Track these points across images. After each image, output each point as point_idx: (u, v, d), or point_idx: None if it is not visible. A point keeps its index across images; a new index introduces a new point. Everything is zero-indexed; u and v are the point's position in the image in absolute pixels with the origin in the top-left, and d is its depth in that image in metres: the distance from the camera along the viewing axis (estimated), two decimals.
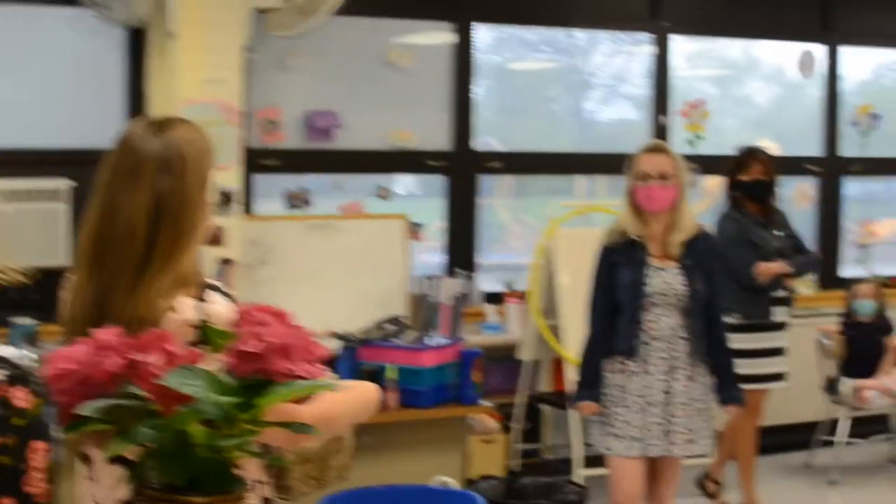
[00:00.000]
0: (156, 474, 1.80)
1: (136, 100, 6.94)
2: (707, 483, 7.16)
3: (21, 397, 1.51)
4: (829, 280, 9.09)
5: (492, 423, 7.25)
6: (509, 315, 7.74)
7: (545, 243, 7.43)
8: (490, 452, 7.21)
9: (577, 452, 7.09)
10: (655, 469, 5.31)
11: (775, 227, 6.95)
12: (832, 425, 7.98)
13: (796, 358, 8.14)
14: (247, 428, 1.83)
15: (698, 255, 5.26)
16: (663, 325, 5.19)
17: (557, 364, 7.70)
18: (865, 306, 7.84)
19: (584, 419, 5.69)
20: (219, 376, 1.84)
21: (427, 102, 7.90)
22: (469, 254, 8.04)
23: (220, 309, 2.52)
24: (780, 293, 6.89)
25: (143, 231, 2.51)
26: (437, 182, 8.03)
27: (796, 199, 9.09)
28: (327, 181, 7.76)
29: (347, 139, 7.65)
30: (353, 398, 2.51)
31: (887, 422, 8.25)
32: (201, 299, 2.54)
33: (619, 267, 5.26)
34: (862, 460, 8.21)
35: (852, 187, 9.39)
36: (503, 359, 7.52)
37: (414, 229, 7.73)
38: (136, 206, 2.51)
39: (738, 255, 6.66)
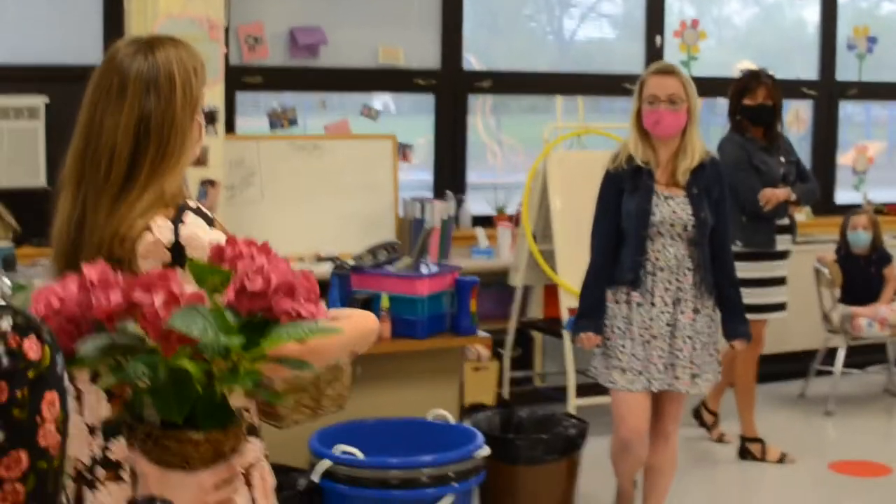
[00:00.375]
0: (152, 412, 1.74)
1: (113, 14, 6.64)
2: (704, 413, 7.01)
3: (33, 347, 1.44)
4: (825, 207, 8.90)
5: (483, 350, 7.08)
6: (500, 239, 7.52)
7: (538, 165, 7.19)
8: (481, 380, 7.04)
9: (571, 382, 6.91)
10: (658, 403, 5.11)
11: (779, 153, 6.73)
12: (828, 355, 7.85)
13: (792, 286, 8.00)
14: (249, 367, 1.76)
15: (706, 182, 5.02)
16: (669, 255, 4.97)
17: (549, 290, 7.51)
18: (861, 238, 7.66)
19: (584, 350, 5.45)
20: (222, 316, 1.74)
21: (415, 19, 7.63)
22: (458, 175, 7.81)
23: (197, 231, 2.48)
24: (784, 221, 6.69)
25: (127, 151, 2.48)
26: (421, 100, 7.79)
27: (791, 122, 8.88)
28: (312, 99, 7.51)
29: (333, 56, 7.38)
30: (351, 328, 2.45)
31: (885, 352, 8.09)
32: (179, 220, 2.48)
33: (625, 194, 5.02)
34: (857, 391, 8.11)
35: (846, 111, 9.20)
36: (493, 284, 7.31)
37: (402, 150, 7.50)
38: (121, 126, 2.48)
39: (742, 181, 6.43)
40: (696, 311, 5.00)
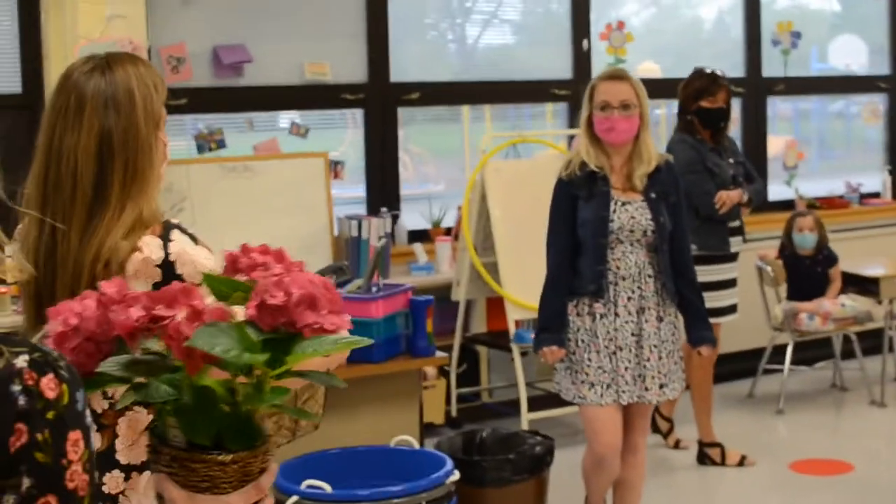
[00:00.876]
0: (177, 433, 1.69)
1: (30, 40, 6.39)
2: (658, 420, 6.89)
3: (51, 386, 1.38)
4: (760, 203, 8.84)
5: (430, 369, 6.91)
6: (439, 254, 7.36)
7: (475, 176, 7.04)
8: (429, 399, 6.88)
9: (523, 396, 6.77)
10: (627, 416, 4.98)
11: (727, 155, 6.64)
12: (773, 353, 7.80)
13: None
14: (275, 385, 1.71)
15: (662, 186, 4.90)
16: (630, 262, 4.85)
17: (492, 303, 7.37)
18: (807, 240, 7.61)
19: (546, 365, 5.26)
20: (246, 333, 1.67)
21: (340, 32, 7.44)
22: (391, 190, 7.63)
23: (185, 248, 2.44)
24: (735, 223, 6.61)
25: (91, 171, 2.42)
26: (345, 114, 7.61)
27: None
28: (239, 120, 7.29)
29: (259, 74, 7.17)
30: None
31: (831, 347, 8.05)
32: (168, 238, 2.44)
33: (580, 201, 4.88)
34: (804, 387, 8.07)
35: (774, 107, 9.17)
36: (435, 300, 7.13)
37: (333, 167, 7.31)
38: (81, 145, 2.42)
39: (696, 183, 6.33)
40: (659, 318, 4.89)
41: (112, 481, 2.42)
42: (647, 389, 4.86)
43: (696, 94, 6.57)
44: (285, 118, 7.40)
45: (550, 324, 4.93)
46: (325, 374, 1.81)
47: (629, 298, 4.84)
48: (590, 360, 4.85)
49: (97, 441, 2.43)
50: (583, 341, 4.88)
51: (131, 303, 1.69)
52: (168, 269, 2.39)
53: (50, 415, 1.37)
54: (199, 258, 2.44)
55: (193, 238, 2.49)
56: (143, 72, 2.49)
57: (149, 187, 2.47)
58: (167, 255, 2.41)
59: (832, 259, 7.62)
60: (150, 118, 2.47)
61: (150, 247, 2.40)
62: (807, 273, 7.62)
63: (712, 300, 6.29)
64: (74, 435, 1.40)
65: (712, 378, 6.64)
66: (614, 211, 4.82)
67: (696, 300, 4.99)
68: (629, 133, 4.86)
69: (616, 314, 4.84)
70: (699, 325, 5.01)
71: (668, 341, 4.92)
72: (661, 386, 4.89)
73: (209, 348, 1.60)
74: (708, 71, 6.75)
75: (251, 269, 1.79)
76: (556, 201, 4.97)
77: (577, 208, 4.88)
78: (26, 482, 1.35)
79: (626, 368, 4.84)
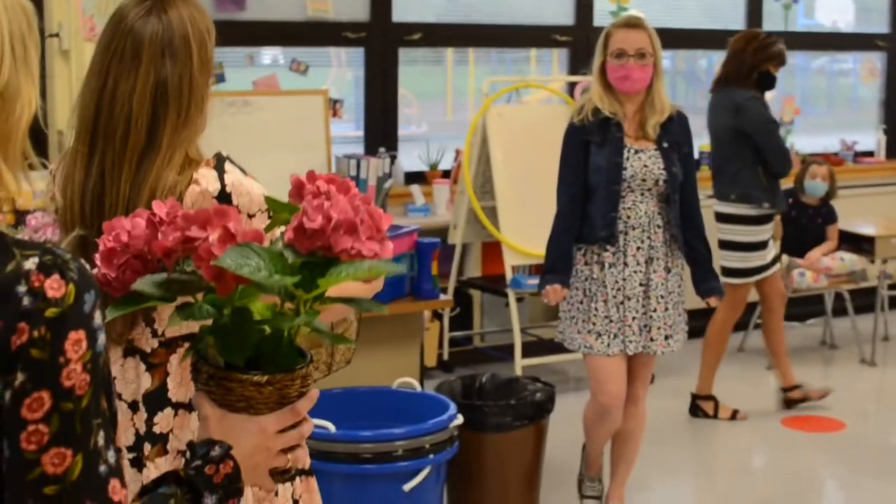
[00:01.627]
0: (215, 352, 1.69)
1: None
2: (701, 405, 6.77)
3: (54, 286, 1.40)
4: None
5: (425, 311, 6.87)
6: (437, 196, 7.32)
7: (477, 120, 6.99)
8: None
9: (517, 341, 6.75)
10: (631, 367, 4.97)
11: None
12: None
13: None
14: (310, 307, 1.70)
15: (674, 136, 4.87)
16: (640, 212, 4.81)
17: (487, 247, 7.35)
18: (818, 188, 7.57)
19: (547, 306, 5.20)
20: (279, 254, 1.67)
21: None
22: (389, 130, 7.57)
23: (240, 177, 2.45)
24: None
25: (145, 119, 2.40)
26: (345, 52, 7.54)
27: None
28: (239, 54, 7.21)
29: (260, 9, 7.09)
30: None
31: (823, 304, 8.06)
32: (222, 169, 2.44)
33: (593, 147, 4.83)
34: (794, 343, 8.05)
35: None
36: None
37: (332, 105, 7.24)
38: (137, 92, 2.40)
39: (774, 141, 6.37)
40: (667, 269, 4.88)
41: (164, 420, 2.42)
42: (652, 340, 4.86)
43: (769, 58, 6.53)
44: (285, 55, 7.33)
45: (556, 265, 4.90)
46: (368, 301, 1.80)
47: (638, 248, 4.82)
48: (597, 309, 4.83)
49: (148, 381, 2.43)
50: (590, 290, 4.85)
51: (167, 225, 1.68)
52: (225, 200, 2.38)
53: (49, 313, 1.39)
54: (253, 189, 2.43)
55: (242, 170, 2.49)
56: (196, 15, 2.46)
57: (196, 133, 2.48)
58: (223, 186, 2.40)
59: (832, 215, 7.60)
60: (204, 66, 2.46)
61: (207, 179, 2.40)
62: (806, 223, 7.59)
63: (760, 259, 6.39)
64: (76, 335, 1.41)
65: (728, 337, 6.66)
66: (627, 158, 4.79)
67: (703, 251, 4.98)
68: (643, 82, 4.81)
69: (625, 263, 4.82)
70: (707, 276, 5.00)
71: (675, 293, 4.90)
72: (667, 337, 4.88)
73: (236, 268, 1.59)
74: (775, 36, 6.72)
75: (315, 197, 1.75)
76: (568, 146, 4.92)
77: (588, 153, 4.84)
78: (20, 377, 1.38)
79: (633, 318, 4.82)
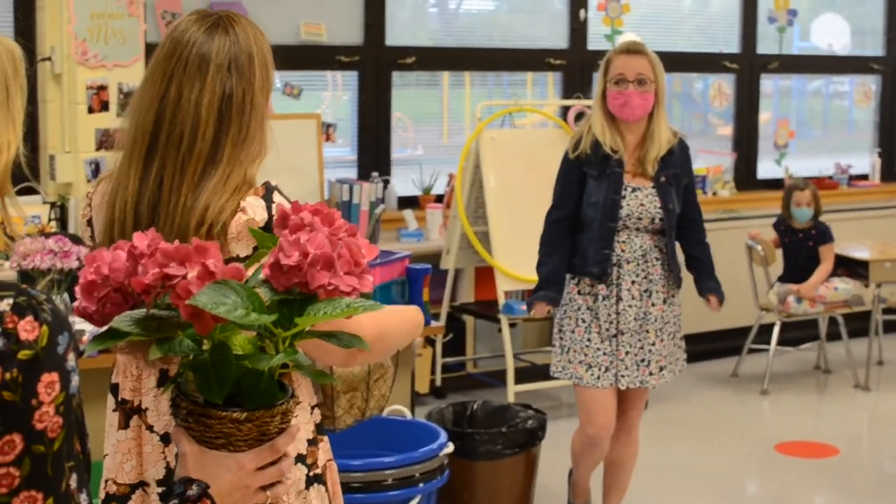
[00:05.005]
0: (195, 387, 1.67)
1: None
2: None
3: (27, 328, 1.39)
4: (748, 182, 8.84)
5: (418, 338, 6.85)
6: (429, 221, 7.30)
7: (470, 145, 6.98)
8: (415, 368, 6.81)
9: (510, 367, 6.74)
10: (623, 397, 4.93)
11: None
12: (758, 332, 7.80)
13: (724, 263, 7.92)
14: (289, 345, 1.69)
15: (674, 168, 4.79)
16: (635, 245, 4.75)
17: (480, 273, 7.33)
18: (804, 214, 7.56)
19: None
20: (255, 292, 1.64)
21: None
22: (382, 154, 7.55)
23: None
24: None
25: (211, 130, 2.35)
26: (340, 75, 7.52)
27: (713, 96, 8.79)
28: None
29: None
30: (402, 319, 2.43)
31: (817, 328, 8.04)
32: (270, 199, 2.37)
33: (590, 179, 4.76)
34: (789, 368, 8.06)
35: (769, 84, 9.13)
36: None
37: (325, 129, 7.23)
38: (205, 102, 2.36)
39: None
40: (665, 301, 4.82)
41: None
42: (650, 374, 4.81)
43: None
44: (279, 78, 7.32)
45: (545, 283, 4.85)
46: (349, 335, 1.76)
47: (633, 282, 4.76)
48: (589, 340, 4.79)
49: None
50: (583, 321, 4.81)
51: (146, 259, 1.66)
52: (271, 231, 2.34)
53: (22, 355, 1.37)
54: None
55: (289, 200, 2.40)
56: (260, 37, 2.44)
57: (258, 153, 2.42)
58: (270, 217, 2.33)
59: (824, 235, 7.58)
60: (265, 87, 2.43)
61: (254, 208, 2.33)
62: (799, 247, 7.59)
63: None
64: (49, 377, 1.39)
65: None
66: (624, 197, 4.72)
67: (704, 258, 4.96)
68: (643, 109, 4.73)
69: (619, 297, 4.76)
70: (708, 277, 4.96)
71: (671, 322, 4.86)
72: (661, 368, 4.84)
73: (212, 307, 1.58)
74: None
75: (297, 229, 1.75)
76: (564, 174, 4.87)
77: (585, 184, 4.78)
78: None
79: (627, 353, 4.77)
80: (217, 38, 2.38)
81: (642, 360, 4.79)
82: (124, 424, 2.42)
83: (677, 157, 4.80)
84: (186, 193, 2.33)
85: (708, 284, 4.95)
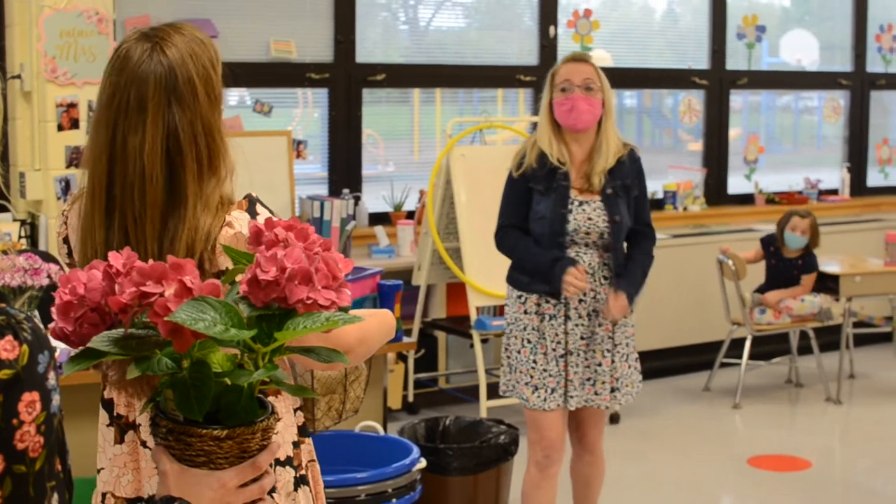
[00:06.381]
0: (174, 406, 1.66)
1: None
2: None
3: (7, 348, 1.39)
4: (718, 197, 8.88)
5: (390, 353, 6.84)
6: (401, 237, 7.30)
7: (441, 161, 6.99)
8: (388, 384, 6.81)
9: (482, 383, 6.73)
10: (580, 418, 4.81)
11: None
12: (730, 347, 7.83)
13: (695, 278, 7.97)
14: (269, 360, 1.69)
15: (622, 180, 4.64)
16: (584, 263, 4.61)
17: (452, 288, 7.33)
18: (796, 241, 7.56)
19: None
20: (234, 308, 1.64)
21: (307, 11, 7.36)
22: (353, 171, 7.55)
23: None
24: None
25: (160, 175, 2.28)
26: (311, 92, 7.52)
27: (683, 112, 8.82)
28: None
29: (224, 51, 7.04)
30: (379, 322, 2.44)
31: (788, 343, 8.07)
32: (254, 212, 2.35)
33: (536, 194, 4.65)
34: (760, 382, 8.09)
35: (738, 99, 9.19)
36: None
37: (296, 146, 7.23)
38: (147, 148, 2.29)
39: None
40: (614, 321, 4.66)
41: None
42: (597, 394, 4.66)
43: None
44: (249, 95, 7.31)
45: (542, 268, 4.61)
46: (328, 350, 1.76)
47: (581, 301, 4.62)
48: (535, 361, 4.65)
49: None
50: (529, 341, 4.67)
51: (122, 278, 1.65)
52: None
53: (3, 374, 1.37)
54: None
55: (271, 212, 2.40)
56: (197, 50, 2.34)
57: (223, 172, 2.36)
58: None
59: (811, 267, 7.61)
60: (213, 103, 2.34)
61: (240, 221, 2.30)
62: (783, 271, 7.61)
63: None
64: (30, 396, 1.39)
65: None
66: (571, 211, 4.59)
67: (642, 262, 4.71)
68: (591, 115, 4.59)
69: (567, 316, 4.63)
70: (631, 280, 4.65)
71: (622, 344, 4.70)
72: (613, 390, 4.69)
73: (190, 323, 1.57)
74: None
75: (272, 245, 1.75)
76: (509, 195, 4.74)
77: (530, 201, 4.67)
78: None
79: (576, 373, 4.63)
80: (153, 70, 2.29)
81: (589, 380, 4.66)
82: (120, 439, 2.41)
83: (627, 168, 4.66)
84: (152, 243, 2.29)
85: (625, 282, 4.64)
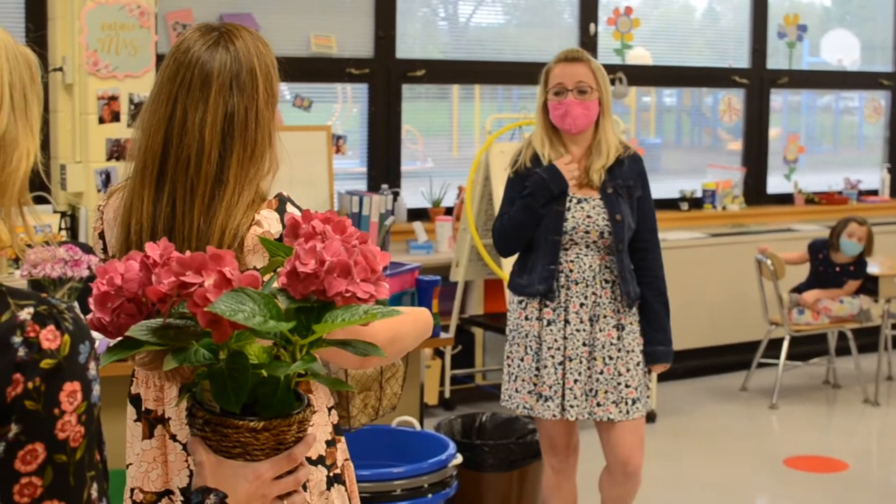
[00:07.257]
0: (210, 397, 1.68)
1: (36, 2, 6.29)
2: None
3: (49, 337, 1.39)
4: (757, 197, 8.84)
5: (425, 349, 6.85)
6: (439, 233, 7.30)
7: (480, 157, 6.99)
8: (425, 379, 6.81)
9: None
10: (608, 432, 4.57)
11: None
12: (767, 347, 7.79)
13: (734, 277, 7.94)
14: (306, 352, 1.70)
15: (623, 179, 4.47)
16: (584, 266, 4.44)
17: (489, 285, 7.33)
18: (852, 247, 7.52)
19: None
20: (273, 300, 1.65)
21: (348, 6, 7.38)
22: (392, 167, 7.57)
23: None
24: None
25: (216, 153, 2.36)
26: (350, 87, 7.54)
27: (723, 111, 8.79)
28: None
29: None
30: (415, 320, 2.44)
31: (826, 343, 8.03)
32: (284, 210, 2.39)
33: None
34: (797, 382, 8.04)
35: (778, 99, 9.15)
36: None
37: (336, 141, 7.24)
38: (208, 123, 2.36)
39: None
40: (619, 327, 4.48)
41: None
42: (598, 405, 4.47)
43: None
44: (289, 90, 7.33)
45: (526, 190, 4.48)
46: (363, 343, 1.77)
47: (581, 305, 4.46)
48: (538, 370, 4.53)
49: None
50: (529, 348, 4.55)
51: (162, 268, 1.66)
52: None
53: (45, 364, 1.37)
54: None
55: (301, 211, 2.36)
56: (262, 49, 2.43)
57: (264, 168, 2.42)
58: (284, 227, 2.31)
59: (861, 273, 7.58)
60: (270, 100, 2.43)
61: (269, 220, 2.35)
62: (830, 278, 7.58)
63: None
64: (71, 386, 1.39)
65: None
66: (569, 209, 4.46)
67: (657, 306, 4.55)
68: (586, 118, 4.45)
69: (566, 321, 4.47)
70: (654, 338, 4.54)
71: (631, 351, 4.50)
72: (616, 402, 4.47)
73: (230, 315, 1.58)
74: None
75: (309, 238, 1.75)
76: (509, 192, 4.59)
77: None
78: (14, 429, 1.36)
79: (576, 381, 4.47)
80: (219, 56, 2.37)
81: (590, 390, 4.49)
82: (149, 434, 2.43)
83: (627, 168, 4.52)
84: (199, 217, 2.35)
85: (651, 348, 4.53)
